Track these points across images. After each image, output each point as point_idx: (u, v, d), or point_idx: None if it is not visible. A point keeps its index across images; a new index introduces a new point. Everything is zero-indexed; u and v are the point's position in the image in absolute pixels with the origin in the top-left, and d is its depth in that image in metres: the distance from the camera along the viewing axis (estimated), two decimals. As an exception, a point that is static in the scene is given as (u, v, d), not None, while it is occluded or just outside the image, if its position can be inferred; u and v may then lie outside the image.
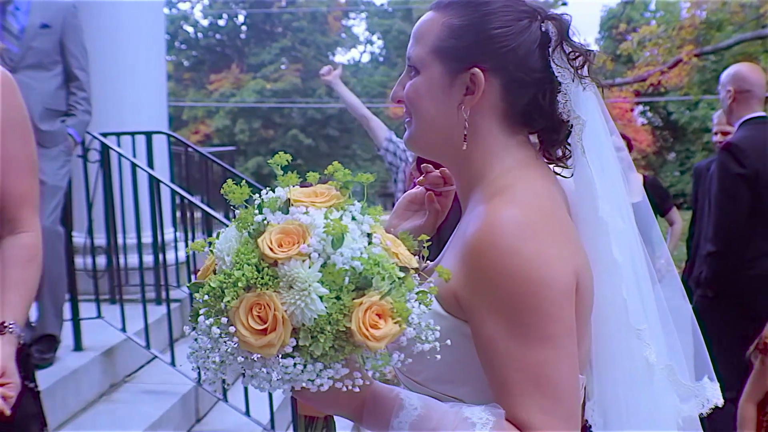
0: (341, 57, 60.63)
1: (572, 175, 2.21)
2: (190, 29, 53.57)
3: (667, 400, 2.20)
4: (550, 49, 2.11)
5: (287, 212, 1.87)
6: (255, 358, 1.81)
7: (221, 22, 54.38)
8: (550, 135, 2.20)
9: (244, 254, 1.80)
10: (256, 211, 1.87)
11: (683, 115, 38.45)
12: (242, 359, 1.82)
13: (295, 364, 1.78)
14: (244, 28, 54.63)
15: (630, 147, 7.98)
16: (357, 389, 1.84)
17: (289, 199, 1.89)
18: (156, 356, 7.06)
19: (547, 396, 1.90)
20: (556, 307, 1.92)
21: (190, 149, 10.14)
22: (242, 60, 52.43)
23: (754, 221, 5.69)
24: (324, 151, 50.56)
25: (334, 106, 49.58)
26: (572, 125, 2.15)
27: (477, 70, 2.08)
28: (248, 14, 53.18)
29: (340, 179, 1.93)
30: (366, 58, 59.13)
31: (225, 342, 1.80)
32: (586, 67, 2.14)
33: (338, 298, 1.77)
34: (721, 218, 5.77)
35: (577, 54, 2.13)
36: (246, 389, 6.61)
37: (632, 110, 38.13)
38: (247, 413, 6.59)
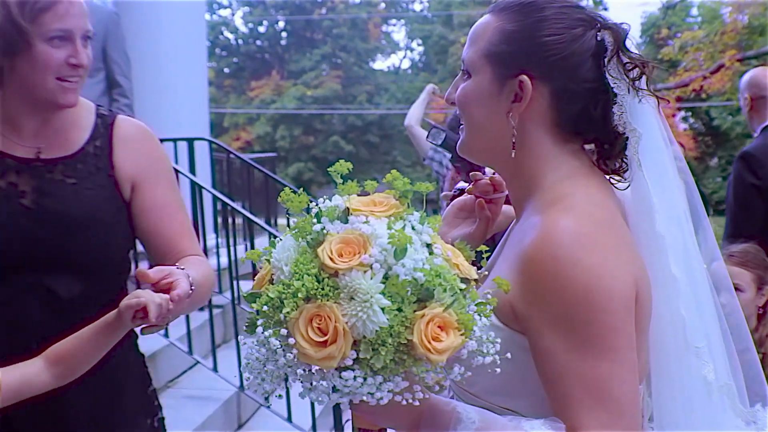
0: (381, 63, 60.71)
1: (628, 187, 2.17)
2: (230, 36, 53.76)
3: (727, 421, 2.14)
4: (605, 60, 2.08)
5: (346, 221, 1.85)
6: (314, 371, 1.79)
7: (261, 29, 54.53)
8: (604, 146, 2.17)
9: (303, 264, 1.78)
10: (314, 220, 1.85)
11: (725, 120, 38.09)
12: (302, 371, 1.80)
13: (355, 377, 1.76)
14: (284, 34, 54.73)
15: None
16: (417, 402, 1.81)
17: (347, 208, 1.87)
18: (198, 362, 7.10)
19: (609, 410, 1.87)
20: (617, 319, 1.90)
21: (231, 155, 10.18)
22: (282, 67, 52.54)
23: None
24: (364, 157, 50.55)
25: (375, 113, 49.60)
26: (628, 137, 2.11)
27: (524, 77, 2.06)
28: (288, 21, 53.28)
29: (399, 188, 1.91)
30: (406, 64, 59.05)
31: (284, 354, 1.77)
32: (643, 79, 2.10)
33: (400, 309, 1.74)
34: (734, 230, 5.46)
35: (634, 65, 2.09)
36: (287, 395, 6.61)
37: (674, 116, 37.88)
38: (289, 419, 6.60)
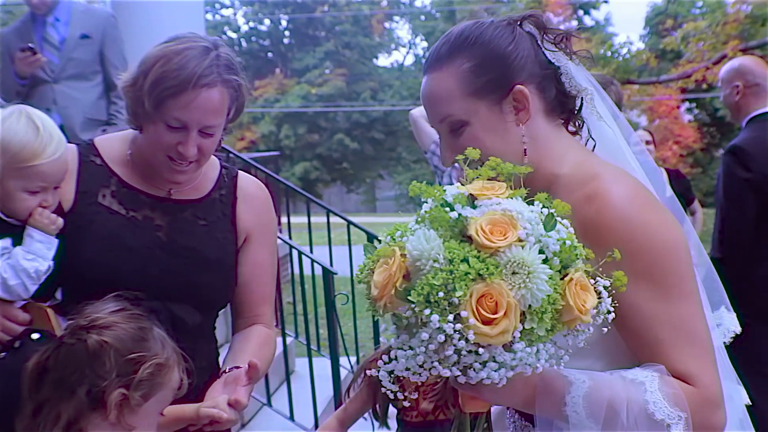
0: (384, 60, 60.73)
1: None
2: (233, 35, 53.77)
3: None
4: (539, 42, 2.33)
5: (474, 207, 1.94)
6: (480, 351, 1.85)
7: (264, 28, 54.55)
8: (571, 112, 2.41)
9: (457, 249, 1.85)
10: (447, 209, 1.92)
11: (730, 111, 37.91)
12: (483, 351, 1.85)
13: (523, 349, 1.85)
14: (287, 33, 54.77)
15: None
16: (562, 366, 1.97)
17: (471, 194, 1.97)
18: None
19: (696, 345, 2.11)
20: (685, 265, 2.17)
21: (231, 155, 10.17)
22: (286, 65, 52.59)
23: (763, 227, 5.29)
24: (370, 154, 50.58)
25: (379, 109, 49.61)
26: (582, 98, 2.37)
27: (519, 86, 2.26)
28: (291, 19, 53.29)
29: (504, 172, 2.01)
30: (410, 60, 59.09)
31: (460, 338, 1.82)
32: (570, 45, 2.36)
33: (551, 278, 1.85)
34: (726, 225, 5.37)
35: (560, 37, 2.35)
36: (290, 394, 6.62)
37: (679, 107, 37.78)
38: (291, 418, 6.62)
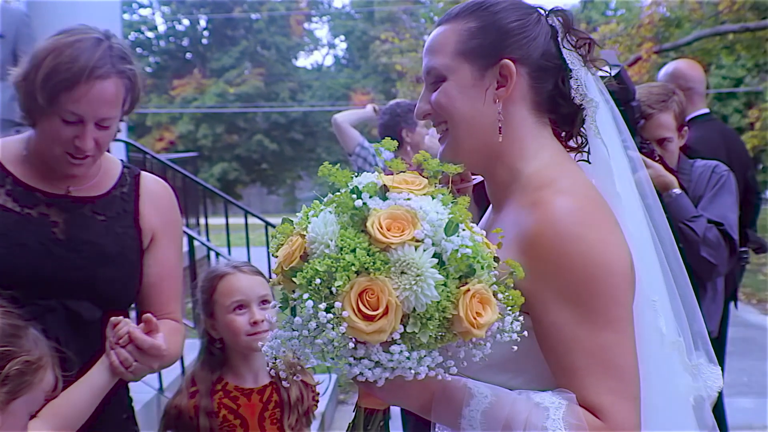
0: (304, 60, 60.56)
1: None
2: (151, 35, 53.24)
3: (680, 377, 2.29)
4: (560, 39, 2.25)
5: (384, 198, 1.90)
6: (356, 346, 1.82)
7: (182, 28, 54.04)
8: (569, 122, 2.32)
9: (350, 239, 1.81)
10: (353, 196, 1.88)
11: (645, 112, 38.44)
12: (352, 346, 1.82)
13: (400, 352, 1.80)
14: (205, 33, 54.33)
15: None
16: (449, 377, 1.89)
17: (384, 185, 1.93)
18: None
19: (615, 378, 1.98)
20: (620, 291, 2.02)
21: (148, 156, 10.09)
22: (204, 65, 52.14)
23: None
24: (289, 155, 50.37)
25: (298, 110, 49.45)
26: (585, 110, 2.28)
27: (507, 61, 2.20)
28: (209, 19, 52.88)
29: (430, 168, 1.97)
30: (329, 60, 59.08)
31: (332, 328, 1.79)
32: (591, 54, 2.29)
33: (445, 285, 1.80)
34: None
35: (583, 42, 2.28)
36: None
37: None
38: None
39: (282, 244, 1.95)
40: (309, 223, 1.91)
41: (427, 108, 2.30)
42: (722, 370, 2.55)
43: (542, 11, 2.29)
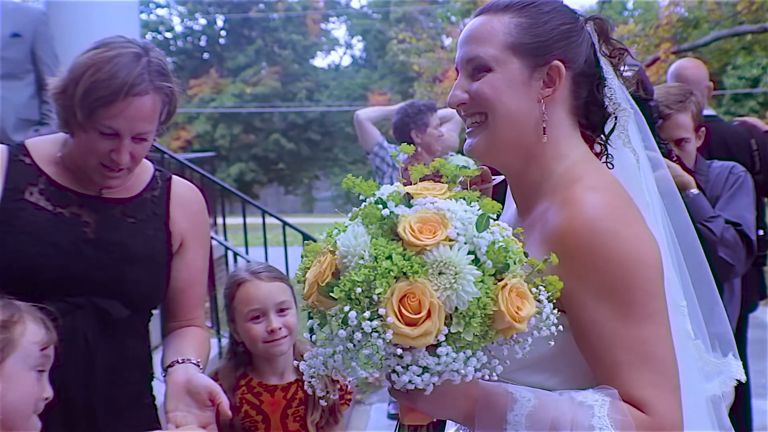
0: (321, 60, 60.59)
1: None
2: (168, 35, 53.35)
3: (695, 378, 2.28)
4: (596, 46, 2.27)
5: (410, 205, 1.91)
6: (402, 354, 1.82)
7: (199, 28, 54.16)
8: (595, 128, 2.34)
9: (383, 246, 1.81)
10: (379, 206, 1.89)
11: (663, 112, 38.29)
12: (400, 352, 1.81)
13: (447, 353, 1.80)
14: (222, 32, 54.43)
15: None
16: (495, 376, 1.90)
17: (407, 193, 1.94)
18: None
19: (657, 371, 1.99)
20: (654, 284, 2.03)
21: (166, 156, 10.09)
22: (221, 65, 52.24)
23: None
24: (306, 155, 50.42)
25: (315, 110, 49.47)
26: (617, 118, 2.30)
27: (559, 63, 2.20)
28: (226, 19, 52.98)
29: (448, 173, 1.99)
30: (346, 61, 59.06)
31: (378, 336, 1.79)
32: (622, 62, 2.32)
33: (482, 281, 1.80)
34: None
35: (617, 51, 2.30)
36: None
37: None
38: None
39: (308, 268, 1.96)
40: (335, 240, 1.92)
41: (464, 97, 2.27)
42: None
43: (583, 16, 2.30)
